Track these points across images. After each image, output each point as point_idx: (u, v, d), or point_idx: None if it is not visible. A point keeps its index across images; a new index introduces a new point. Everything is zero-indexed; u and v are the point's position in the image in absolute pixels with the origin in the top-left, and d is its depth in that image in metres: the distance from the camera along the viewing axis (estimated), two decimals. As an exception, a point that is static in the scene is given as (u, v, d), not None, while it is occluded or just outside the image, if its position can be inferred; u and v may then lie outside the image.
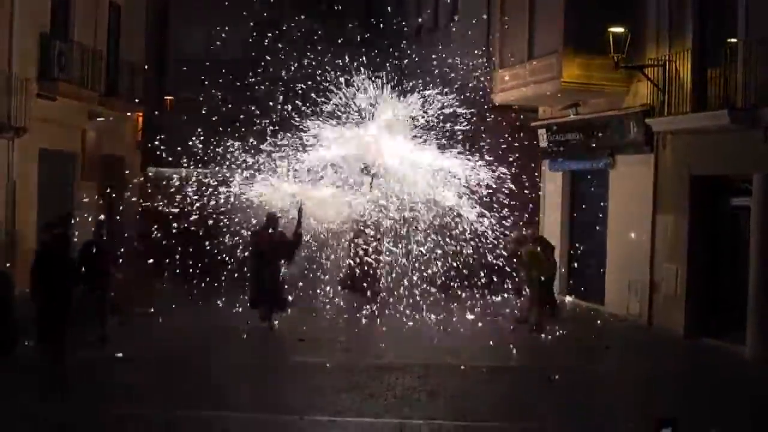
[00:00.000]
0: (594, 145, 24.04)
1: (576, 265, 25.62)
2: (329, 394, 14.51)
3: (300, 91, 21.77)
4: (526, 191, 24.65)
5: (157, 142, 26.55)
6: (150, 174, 31.15)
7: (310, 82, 21.70)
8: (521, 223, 23.01)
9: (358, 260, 22.55)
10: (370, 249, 22.61)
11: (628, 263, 22.58)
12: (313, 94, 21.59)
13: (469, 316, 21.54)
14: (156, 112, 32.25)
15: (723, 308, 19.74)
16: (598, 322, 21.91)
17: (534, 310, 20.65)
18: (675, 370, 17.31)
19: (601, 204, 24.14)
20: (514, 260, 21.81)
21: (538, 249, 21.26)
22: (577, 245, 25.74)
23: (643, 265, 21.91)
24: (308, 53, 21.62)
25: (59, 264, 14.60)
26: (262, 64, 22.16)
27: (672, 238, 21.08)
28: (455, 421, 13.25)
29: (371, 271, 22.87)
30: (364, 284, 22.88)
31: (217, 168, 21.87)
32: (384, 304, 21.94)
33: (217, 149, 21.90)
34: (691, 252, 20.50)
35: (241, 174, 21.43)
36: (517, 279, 22.44)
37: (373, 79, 21.79)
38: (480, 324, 20.93)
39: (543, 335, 19.87)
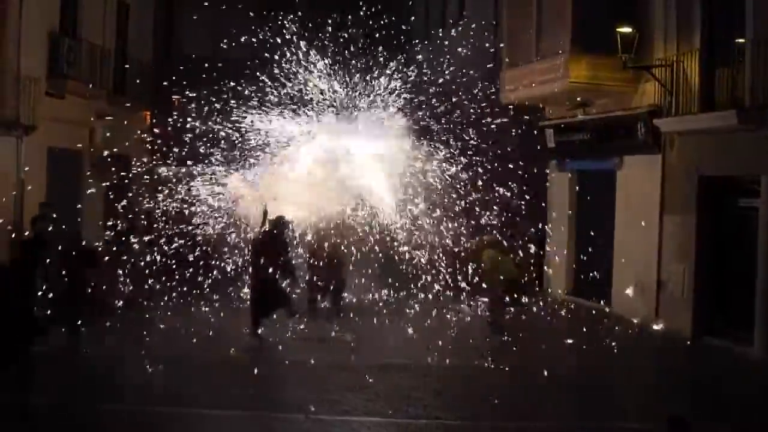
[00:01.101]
0: (601, 145, 24.02)
1: (583, 265, 25.60)
2: (334, 393, 14.58)
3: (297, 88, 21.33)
4: (532, 191, 24.63)
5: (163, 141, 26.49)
6: (157, 172, 31.08)
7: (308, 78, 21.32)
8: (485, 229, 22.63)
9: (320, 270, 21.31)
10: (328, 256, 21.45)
11: (635, 264, 22.54)
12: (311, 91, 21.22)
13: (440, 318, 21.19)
14: (163, 111, 32.27)
15: (730, 309, 19.70)
16: (604, 322, 21.91)
17: (497, 310, 20.64)
18: (682, 371, 17.28)
19: (608, 204, 24.10)
20: (477, 265, 21.60)
21: (500, 253, 21.12)
22: (583, 246, 25.70)
23: (650, 265, 21.89)
24: (311, 51, 21.32)
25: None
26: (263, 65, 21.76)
27: (679, 238, 21.05)
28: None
29: (334, 281, 21.69)
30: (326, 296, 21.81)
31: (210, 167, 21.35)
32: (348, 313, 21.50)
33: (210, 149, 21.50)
34: (698, 252, 20.47)
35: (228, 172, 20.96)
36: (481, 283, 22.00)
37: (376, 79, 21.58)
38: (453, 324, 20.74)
39: (505, 334, 19.68)
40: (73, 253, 17.75)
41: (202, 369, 15.83)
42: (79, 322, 17.33)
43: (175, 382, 14.83)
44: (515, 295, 20.65)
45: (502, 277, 20.22)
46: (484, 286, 20.95)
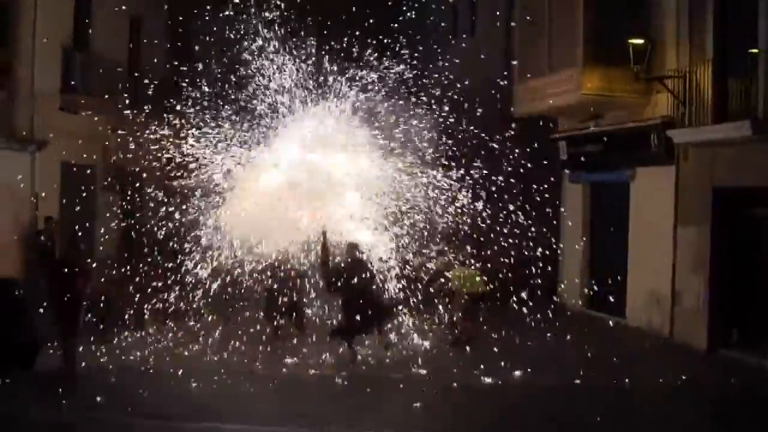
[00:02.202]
0: (614, 157, 23.97)
1: (597, 277, 25.50)
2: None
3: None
4: (546, 204, 24.53)
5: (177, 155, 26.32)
6: (171, 186, 30.99)
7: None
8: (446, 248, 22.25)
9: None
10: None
11: (650, 276, 22.45)
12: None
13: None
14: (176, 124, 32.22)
15: (746, 321, 19.58)
16: (619, 334, 21.80)
17: (465, 325, 20.58)
18: (697, 384, 17.14)
19: (622, 216, 24.02)
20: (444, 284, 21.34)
21: (465, 269, 20.98)
22: (597, 258, 25.63)
23: (664, 277, 21.77)
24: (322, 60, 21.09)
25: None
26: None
27: (694, 250, 20.95)
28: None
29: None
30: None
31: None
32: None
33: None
34: (713, 264, 20.35)
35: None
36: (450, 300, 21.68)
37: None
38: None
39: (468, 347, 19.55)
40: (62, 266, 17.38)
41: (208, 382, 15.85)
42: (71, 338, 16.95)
43: (177, 395, 14.93)
44: (480, 306, 20.72)
45: (467, 291, 20.22)
46: (450, 303, 20.93)
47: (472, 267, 21.04)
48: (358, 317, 18.06)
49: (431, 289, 20.86)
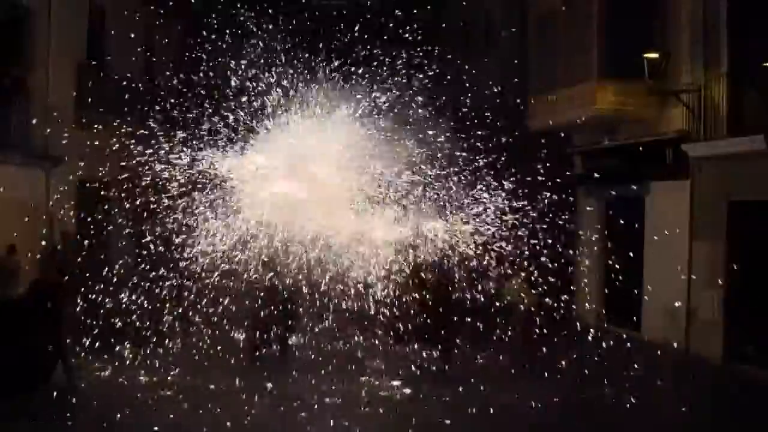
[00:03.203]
0: (629, 171, 23.91)
1: (612, 292, 25.41)
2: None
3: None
4: (561, 218, 24.45)
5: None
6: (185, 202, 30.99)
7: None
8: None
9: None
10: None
11: (665, 290, 22.35)
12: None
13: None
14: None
15: (761, 335, 19.47)
16: (634, 349, 21.69)
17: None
18: (711, 399, 17.05)
19: (637, 230, 23.95)
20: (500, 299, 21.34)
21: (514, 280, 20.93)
22: (613, 272, 25.51)
23: (680, 291, 21.69)
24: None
25: None
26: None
27: (709, 264, 20.87)
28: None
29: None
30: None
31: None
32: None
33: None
34: (728, 278, 20.28)
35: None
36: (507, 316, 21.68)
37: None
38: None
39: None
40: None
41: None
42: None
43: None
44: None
45: (516, 302, 20.17)
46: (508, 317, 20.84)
47: (521, 277, 20.97)
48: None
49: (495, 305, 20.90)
